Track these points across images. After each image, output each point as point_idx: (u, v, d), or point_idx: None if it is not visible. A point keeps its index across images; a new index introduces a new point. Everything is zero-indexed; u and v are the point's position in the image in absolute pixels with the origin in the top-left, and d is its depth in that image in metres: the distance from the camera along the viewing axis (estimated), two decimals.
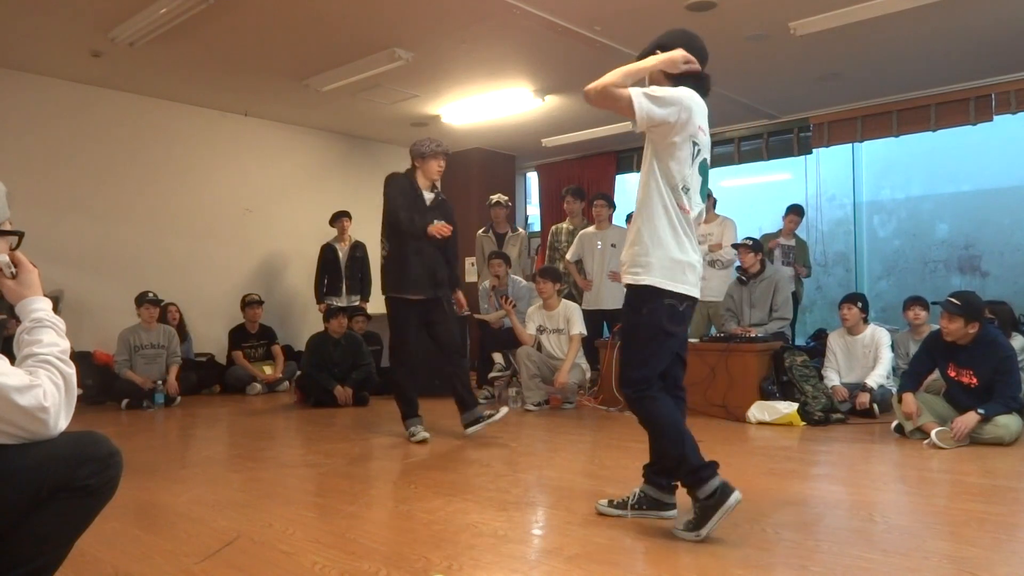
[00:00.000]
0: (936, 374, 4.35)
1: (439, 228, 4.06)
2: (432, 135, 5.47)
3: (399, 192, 4.20)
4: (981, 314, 4.07)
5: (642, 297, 2.42)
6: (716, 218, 6.39)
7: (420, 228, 4.09)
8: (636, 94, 2.35)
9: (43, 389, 1.46)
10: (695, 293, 2.46)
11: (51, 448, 1.49)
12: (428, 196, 4.31)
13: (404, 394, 4.34)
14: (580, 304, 6.12)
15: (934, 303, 4.28)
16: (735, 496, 2.29)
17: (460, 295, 4.58)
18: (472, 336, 7.17)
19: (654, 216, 2.41)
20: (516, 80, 6.53)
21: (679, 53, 2.44)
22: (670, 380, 2.59)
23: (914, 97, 6.79)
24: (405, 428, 4.30)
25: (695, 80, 2.47)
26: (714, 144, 3.19)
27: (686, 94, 2.40)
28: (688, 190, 2.41)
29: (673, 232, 2.40)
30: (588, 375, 5.83)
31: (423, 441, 4.19)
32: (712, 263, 6.24)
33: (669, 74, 2.47)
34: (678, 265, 2.40)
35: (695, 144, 2.41)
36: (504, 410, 4.34)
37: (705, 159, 2.47)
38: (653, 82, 2.48)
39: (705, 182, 2.50)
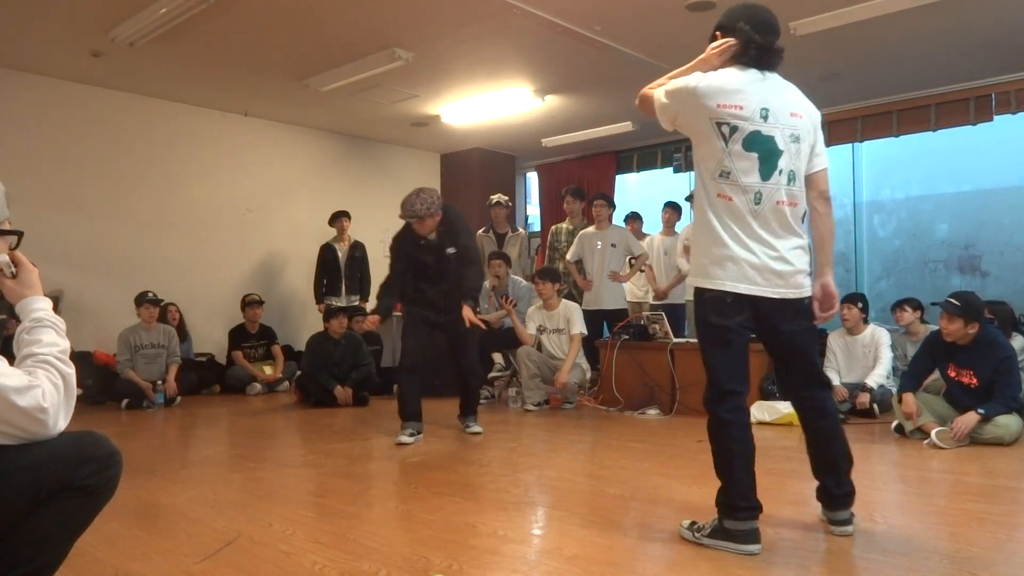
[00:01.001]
0: (936, 374, 4.36)
1: (371, 321, 4.58)
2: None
3: (395, 254, 4.52)
4: (981, 314, 4.07)
5: (695, 300, 2.37)
6: None
7: (385, 306, 4.49)
8: (658, 92, 2.33)
9: (42, 389, 1.46)
10: (736, 288, 2.24)
11: (51, 448, 1.48)
12: (431, 237, 4.37)
13: (407, 400, 4.34)
14: (580, 304, 6.13)
15: (933, 303, 4.27)
16: (754, 548, 2.17)
17: (467, 310, 4.27)
18: None
19: (697, 216, 2.39)
20: (516, 80, 6.53)
21: (708, 50, 2.37)
22: (797, 380, 2.42)
23: (914, 97, 6.79)
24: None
25: (756, 55, 2.32)
26: None
27: (695, 76, 2.27)
28: (727, 174, 2.24)
29: (708, 229, 2.29)
30: (588, 375, 5.84)
31: (402, 444, 4.11)
32: None
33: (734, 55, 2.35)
34: (714, 261, 2.27)
35: (722, 124, 2.22)
36: (479, 429, 4.48)
37: (755, 132, 2.23)
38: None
39: (768, 158, 2.25)
